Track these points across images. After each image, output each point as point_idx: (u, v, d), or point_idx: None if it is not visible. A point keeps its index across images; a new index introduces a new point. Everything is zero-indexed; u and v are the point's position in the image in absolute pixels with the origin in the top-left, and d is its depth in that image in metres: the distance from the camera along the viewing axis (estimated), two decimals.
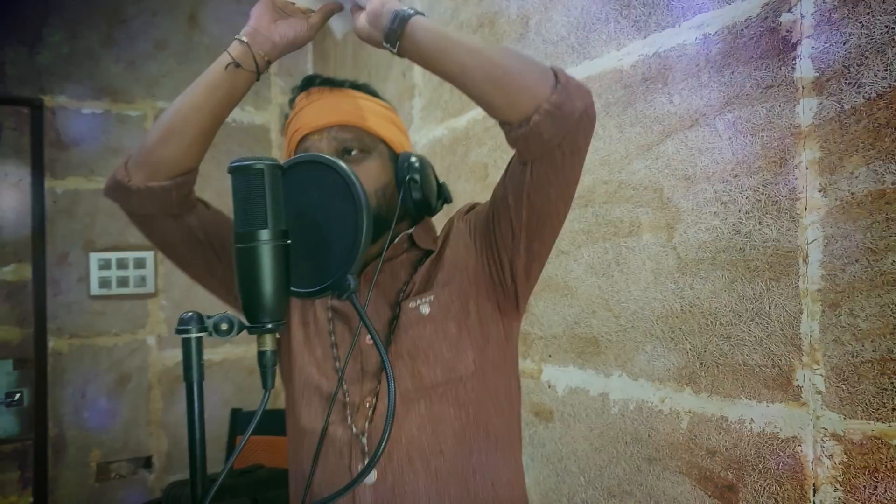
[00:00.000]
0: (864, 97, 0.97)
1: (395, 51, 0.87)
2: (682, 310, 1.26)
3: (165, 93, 2.96)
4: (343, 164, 0.78)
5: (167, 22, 2.98)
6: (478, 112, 1.88)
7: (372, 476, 0.93)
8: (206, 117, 0.97)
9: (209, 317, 0.70)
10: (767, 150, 1.10)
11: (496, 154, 1.79)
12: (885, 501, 0.94)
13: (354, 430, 0.94)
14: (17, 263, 2.76)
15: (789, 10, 1.07)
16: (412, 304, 0.97)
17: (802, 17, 1.05)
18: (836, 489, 1.01)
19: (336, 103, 1.01)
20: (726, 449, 1.17)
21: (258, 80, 0.98)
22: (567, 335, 1.54)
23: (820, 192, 1.03)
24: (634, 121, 1.35)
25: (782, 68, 1.08)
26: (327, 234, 0.75)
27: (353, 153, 0.99)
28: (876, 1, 0.95)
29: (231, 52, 0.95)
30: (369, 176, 0.97)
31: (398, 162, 1.02)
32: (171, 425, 2.95)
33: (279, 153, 3.19)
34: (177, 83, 2.98)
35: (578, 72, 1.49)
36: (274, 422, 2.91)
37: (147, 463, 2.91)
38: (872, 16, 0.96)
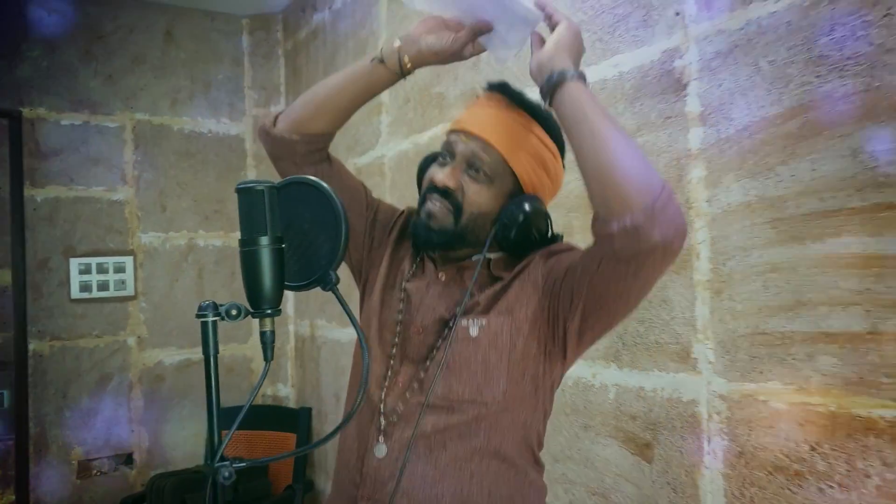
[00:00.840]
0: (734, 128, 1.23)
1: (547, 104, 0.95)
2: None
3: (143, 105, 3.12)
4: (325, 185, 0.99)
5: (144, 37, 3.14)
6: (438, 129, 2.11)
7: (382, 450, 1.05)
8: (345, 99, 1.11)
9: (222, 304, 0.91)
10: (668, 168, 1.35)
11: None
12: (757, 445, 1.20)
13: (381, 397, 1.07)
14: None
15: (681, 57, 1.32)
16: (464, 323, 1.03)
17: (690, 63, 1.31)
18: (723, 438, 1.26)
19: (496, 118, 1.05)
20: (644, 413, 1.42)
21: (401, 79, 1.09)
22: None
23: (706, 202, 1.29)
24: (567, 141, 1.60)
25: (677, 103, 1.33)
26: (314, 239, 0.96)
27: (478, 171, 1.04)
28: (741, 53, 1.21)
29: (383, 48, 1.08)
30: (477, 198, 1.04)
31: (512, 201, 1.04)
32: (152, 422, 3.10)
33: (254, 162, 3.37)
34: (154, 96, 3.15)
35: None
36: (255, 418, 3.10)
37: (128, 459, 3.06)
38: (738, 66, 1.22)
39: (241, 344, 3.32)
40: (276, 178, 1.08)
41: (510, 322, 1.02)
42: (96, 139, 3.03)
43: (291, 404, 3.32)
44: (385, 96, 2.43)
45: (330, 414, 2.96)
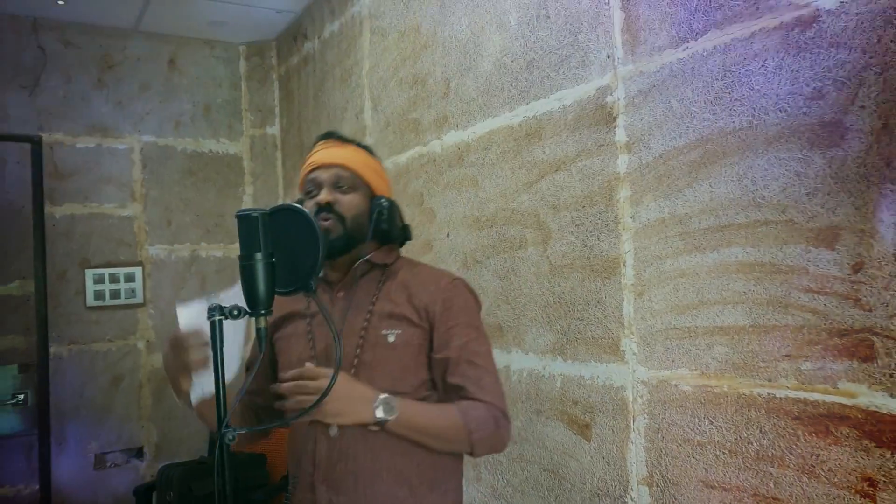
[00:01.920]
0: (652, 156, 1.47)
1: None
2: (553, 301, 1.74)
3: (150, 128, 3.38)
4: (306, 210, 1.23)
5: (150, 66, 3.40)
6: (415, 151, 2.35)
7: (335, 429, 1.28)
8: None
9: (225, 307, 1.15)
10: (601, 189, 1.59)
11: (429, 185, 2.26)
12: (670, 422, 1.43)
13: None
14: (20, 280, 3.13)
15: (611, 94, 1.57)
16: (384, 332, 1.30)
17: (619, 99, 1.55)
18: (644, 417, 1.50)
19: (339, 151, 1.39)
20: (583, 399, 1.66)
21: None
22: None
23: (631, 218, 1.52)
24: (521, 165, 1.84)
25: (608, 133, 1.58)
26: (298, 254, 1.20)
27: (343, 186, 1.35)
28: (657, 92, 1.45)
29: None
30: (351, 204, 1.35)
31: (372, 200, 1.39)
32: (160, 419, 3.34)
33: (251, 178, 3.62)
34: (159, 119, 3.40)
35: (485, 126, 1.98)
36: None
37: (139, 453, 3.30)
38: (655, 102, 1.46)
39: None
40: (270, 199, 1.31)
41: (419, 334, 1.31)
42: (108, 160, 3.29)
43: None
44: (368, 120, 2.67)
45: None
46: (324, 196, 1.35)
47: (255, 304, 1.17)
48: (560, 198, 1.71)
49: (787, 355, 1.21)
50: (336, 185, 1.36)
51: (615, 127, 1.56)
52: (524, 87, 1.84)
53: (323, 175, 1.37)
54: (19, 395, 3.14)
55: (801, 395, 1.19)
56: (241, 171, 3.61)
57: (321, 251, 1.21)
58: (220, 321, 1.15)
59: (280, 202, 3.58)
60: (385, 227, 1.37)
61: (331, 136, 1.44)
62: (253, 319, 1.17)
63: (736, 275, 1.29)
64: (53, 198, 3.17)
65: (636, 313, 1.51)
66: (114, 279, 3.26)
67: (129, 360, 3.28)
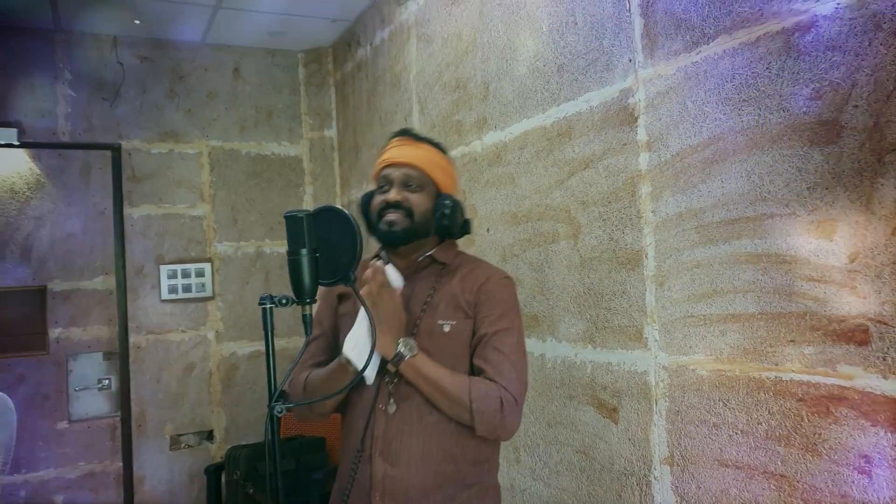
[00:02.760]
0: (670, 154, 1.55)
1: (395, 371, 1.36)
2: (584, 292, 1.84)
3: (216, 133, 3.64)
4: (346, 211, 1.38)
5: (216, 75, 3.66)
6: (458, 151, 2.48)
7: (393, 406, 1.40)
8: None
9: (276, 296, 1.31)
10: (625, 186, 1.69)
11: (471, 183, 2.39)
12: (688, 404, 1.52)
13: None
14: (104, 275, 3.44)
15: (632, 96, 1.66)
16: (439, 322, 1.41)
17: (639, 101, 1.64)
18: (665, 401, 1.59)
19: (411, 150, 1.47)
20: (611, 384, 1.76)
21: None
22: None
23: (652, 213, 1.61)
24: (553, 163, 1.94)
25: (631, 132, 1.67)
26: (338, 248, 1.36)
27: (412, 185, 1.44)
28: (673, 94, 1.54)
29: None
30: (417, 203, 1.44)
31: (438, 198, 1.47)
32: (229, 404, 3.60)
33: (310, 178, 3.84)
34: (225, 125, 3.65)
35: (520, 126, 2.09)
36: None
37: (209, 435, 3.57)
38: (672, 104, 1.54)
39: (302, 337, 3.77)
40: (328, 198, 1.40)
41: (470, 324, 1.42)
42: (179, 164, 3.56)
43: None
44: (416, 122, 2.82)
45: None
46: (393, 195, 1.45)
47: (300, 294, 1.32)
48: (588, 194, 1.81)
49: (791, 340, 1.28)
50: (405, 184, 1.46)
51: (637, 126, 1.65)
52: (555, 89, 1.94)
53: (394, 173, 1.47)
54: (104, 381, 3.45)
55: (805, 377, 1.26)
56: (301, 171, 3.83)
57: (359, 246, 1.35)
58: (271, 308, 1.31)
59: (337, 201, 3.79)
60: (446, 224, 1.45)
61: (405, 133, 1.53)
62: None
63: (746, 265, 1.37)
64: (131, 200, 3.46)
65: (657, 302, 1.60)
66: (185, 274, 3.53)
67: (200, 350, 3.55)
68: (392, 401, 1.42)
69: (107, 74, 3.44)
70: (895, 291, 1.11)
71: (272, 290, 3.70)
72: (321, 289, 1.60)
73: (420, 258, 1.49)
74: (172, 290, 3.50)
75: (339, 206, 1.40)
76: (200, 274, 3.57)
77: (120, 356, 3.41)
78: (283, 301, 1.32)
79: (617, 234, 1.72)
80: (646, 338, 1.64)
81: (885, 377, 1.12)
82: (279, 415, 1.25)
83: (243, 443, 3.47)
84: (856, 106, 1.15)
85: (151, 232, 3.49)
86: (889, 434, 1.12)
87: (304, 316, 1.33)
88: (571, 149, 1.87)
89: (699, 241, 1.48)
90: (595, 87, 1.79)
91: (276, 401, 1.28)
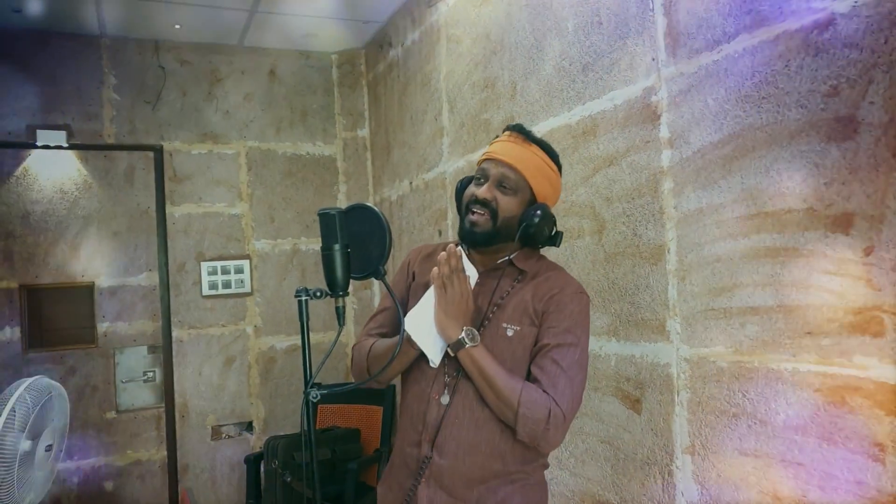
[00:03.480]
0: (691, 150, 1.59)
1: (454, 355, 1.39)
2: (608, 286, 1.88)
3: (253, 134, 3.76)
4: (376, 208, 1.45)
5: (253, 78, 3.78)
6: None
7: (446, 398, 1.43)
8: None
9: (311, 289, 1.39)
10: (648, 182, 1.72)
11: None
12: (709, 395, 1.55)
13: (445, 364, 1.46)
14: (148, 272, 3.59)
15: (655, 94, 1.69)
16: (504, 325, 1.41)
17: (662, 98, 1.67)
18: (687, 392, 1.62)
19: (517, 150, 1.44)
20: (634, 376, 1.80)
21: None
22: None
23: (674, 208, 1.65)
24: (578, 160, 1.99)
25: (653, 130, 1.70)
26: (369, 244, 1.43)
27: (506, 187, 1.43)
28: (695, 92, 1.57)
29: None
30: (506, 206, 1.42)
31: (528, 206, 1.45)
32: (267, 397, 3.73)
33: (344, 178, 3.93)
34: (262, 126, 3.77)
35: (546, 125, 2.14)
36: (348, 395, 3.65)
37: (249, 426, 3.70)
38: (693, 101, 1.57)
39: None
40: (362, 196, 1.43)
41: (534, 332, 1.41)
42: (218, 164, 3.69)
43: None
44: (446, 122, 2.88)
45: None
46: (483, 192, 1.44)
47: (334, 287, 1.40)
48: (613, 190, 1.85)
49: (808, 332, 1.31)
50: (499, 184, 1.44)
51: (659, 124, 1.68)
52: (580, 88, 1.98)
53: (492, 169, 1.45)
54: (149, 373, 3.60)
55: (821, 368, 1.29)
56: (335, 171, 3.93)
57: (388, 242, 1.42)
58: (306, 301, 1.39)
59: (370, 199, 3.88)
60: (531, 233, 1.42)
61: (518, 129, 1.48)
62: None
63: (765, 259, 1.40)
64: (173, 199, 3.60)
65: (679, 296, 1.64)
66: (225, 271, 3.67)
67: (239, 343, 3.68)
68: (447, 392, 1.46)
69: (149, 78, 3.59)
70: None
71: (308, 285, 3.83)
72: (400, 262, 1.68)
73: (500, 261, 1.49)
74: (213, 286, 3.64)
75: (370, 204, 1.47)
76: (239, 271, 3.69)
77: (163, 349, 3.56)
78: (318, 294, 1.40)
79: (640, 230, 1.76)
80: (668, 331, 1.68)
81: None
82: (314, 400, 1.33)
83: (281, 433, 3.59)
84: (872, 102, 1.18)
85: (192, 230, 3.63)
86: None
87: (336, 308, 1.40)
88: (596, 146, 1.91)
89: (720, 236, 1.52)
90: (619, 85, 1.82)
91: (310, 388, 1.36)
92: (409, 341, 1.46)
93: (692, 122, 1.58)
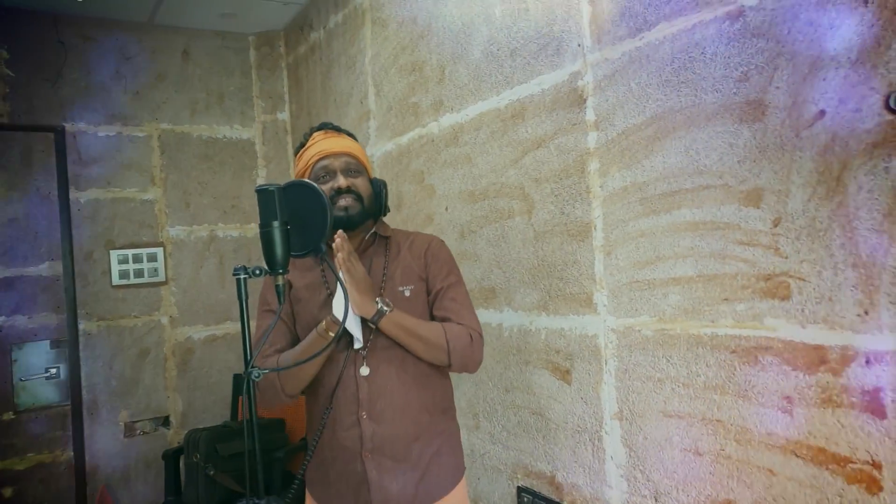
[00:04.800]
0: (615, 132, 1.67)
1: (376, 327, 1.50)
2: (538, 264, 1.96)
3: (167, 116, 3.60)
4: (316, 185, 1.44)
5: (165, 57, 3.61)
6: (415, 132, 2.56)
7: (365, 369, 1.53)
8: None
9: (249, 267, 1.37)
10: (575, 163, 1.80)
11: (428, 164, 2.47)
12: (635, 363, 1.65)
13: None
14: (50, 261, 3.37)
15: (581, 79, 1.77)
16: (400, 288, 1.58)
17: (587, 83, 1.75)
18: (614, 360, 1.72)
19: (344, 142, 1.65)
20: (564, 348, 1.88)
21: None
22: (478, 288, 2.23)
23: (600, 188, 1.74)
24: (507, 143, 2.05)
25: (580, 113, 1.78)
26: (309, 222, 1.42)
27: (353, 172, 1.62)
28: (619, 76, 1.66)
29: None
30: (364, 186, 1.62)
31: (374, 182, 1.67)
32: (185, 389, 3.60)
33: (263, 162, 3.84)
34: (176, 108, 3.62)
35: (476, 109, 2.18)
36: None
37: (166, 421, 3.56)
38: (617, 86, 1.66)
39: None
40: (282, 180, 1.48)
41: (423, 286, 1.62)
42: (128, 147, 3.52)
43: None
44: (372, 105, 2.88)
45: None
46: (342, 181, 1.59)
47: (273, 265, 1.39)
48: (541, 171, 1.92)
49: (725, 299, 1.42)
50: (347, 171, 1.62)
51: (585, 107, 1.76)
52: (508, 73, 2.04)
53: (335, 163, 1.61)
54: (52, 369, 3.40)
55: (737, 331, 1.40)
56: (253, 155, 3.83)
57: (329, 219, 1.42)
58: (245, 279, 1.37)
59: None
60: (383, 203, 1.67)
61: (328, 126, 1.68)
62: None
63: (685, 232, 1.51)
64: (78, 183, 3.40)
65: (605, 270, 1.73)
66: (137, 259, 3.50)
67: (154, 335, 3.53)
68: (364, 364, 1.51)
69: (47, 54, 3.36)
70: (811, 251, 1.25)
71: (227, 275, 3.74)
72: (266, 279, 1.68)
73: (367, 236, 1.66)
74: (124, 275, 3.47)
75: (309, 181, 1.47)
76: (153, 259, 3.54)
77: (69, 343, 3.36)
78: (257, 272, 1.38)
79: (568, 209, 1.84)
80: (595, 303, 1.77)
81: (803, 327, 1.27)
82: (256, 379, 1.32)
83: (201, 427, 3.48)
84: (778, 87, 1.29)
85: (100, 216, 3.44)
86: (806, 376, 1.27)
87: (276, 286, 1.40)
88: (525, 129, 1.98)
89: (643, 213, 1.61)
90: (546, 70, 1.89)
91: (250, 366, 1.34)
92: (325, 333, 1.50)
93: (616, 105, 1.67)
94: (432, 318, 1.62)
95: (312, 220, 1.43)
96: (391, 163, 2.75)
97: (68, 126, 3.39)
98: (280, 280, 1.39)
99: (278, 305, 1.40)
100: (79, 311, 3.36)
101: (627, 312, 1.68)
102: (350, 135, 1.71)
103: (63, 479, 3.34)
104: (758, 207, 1.34)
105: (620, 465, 1.72)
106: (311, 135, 1.69)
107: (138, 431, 3.50)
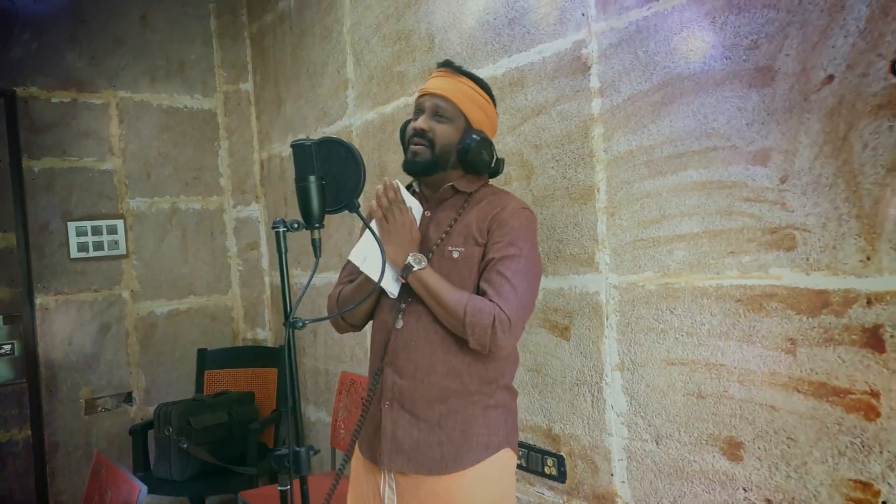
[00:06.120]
0: (621, 98, 1.76)
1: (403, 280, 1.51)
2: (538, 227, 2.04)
3: (125, 83, 3.46)
4: (348, 142, 1.46)
5: (122, 21, 3.47)
6: (400, 101, 2.58)
7: (400, 322, 1.55)
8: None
9: (287, 221, 1.38)
10: (578, 129, 1.89)
11: None
12: (638, 316, 1.76)
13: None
14: (2, 233, 3.20)
15: (585, 47, 1.85)
16: (450, 248, 1.53)
17: (592, 51, 1.83)
18: (615, 315, 1.82)
19: (447, 82, 1.57)
20: (563, 306, 1.98)
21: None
22: None
23: (604, 152, 1.83)
24: (505, 110, 2.11)
25: (584, 80, 1.86)
26: (342, 178, 1.44)
27: (441, 116, 1.55)
28: (626, 45, 1.75)
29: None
30: (443, 134, 1.55)
31: (467, 132, 1.56)
32: (148, 365, 3.51)
33: (226, 133, 3.75)
34: (134, 75, 3.48)
35: None
36: (239, 358, 3.55)
37: (128, 398, 3.47)
38: (624, 53, 1.75)
39: (222, 295, 3.73)
40: (245, 153, 1.41)
41: (477, 251, 1.54)
42: (85, 115, 3.36)
43: (270, 344, 3.78)
44: (351, 74, 2.87)
45: (307, 348, 3.43)
46: (419, 123, 1.56)
47: (309, 219, 1.41)
48: (541, 138, 2.00)
49: (731, 252, 1.54)
50: (434, 114, 1.56)
51: (590, 75, 1.85)
52: (506, 42, 2.10)
53: (427, 103, 1.57)
54: (6, 346, 3.24)
55: (742, 281, 1.53)
56: (215, 126, 3.73)
57: (362, 175, 1.45)
58: (284, 232, 1.39)
59: (255, 156, 3.75)
60: (469, 159, 1.55)
61: (446, 65, 1.62)
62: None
63: (691, 192, 1.62)
64: (31, 151, 3.23)
65: (608, 230, 1.83)
66: (96, 231, 3.37)
67: (115, 309, 3.42)
68: (400, 317, 1.54)
69: None
70: (816, 205, 1.38)
71: (189, 248, 3.65)
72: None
73: (442, 188, 1.60)
74: (83, 247, 3.33)
75: (342, 139, 1.48)
76: (112, 231, 3.41)
77: (25, 319, 3.21)
78: (295, 225, 1.40)
79: (570, 173, 1.92)
80: (597, 262, 1.86)
81: (807, 274, 1.41)
82: (299, 328, 1.34)
83: (165, 402, 3.41)
84: (787, 55, 1.41)
85: (56, 186, 3.29)
86: (810, 318, 1.41)
87: (312, 240, 1.41)
88: (524, 97, 2.04)
89: (649, 174, 1.71)
90: (548, 39, 1.96)
91: (288, 319, 1.36)
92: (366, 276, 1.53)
93: (622, 72, 1.76)
94: (478, 289, 1.52)
95: (346, 176, 1.45)
96: (373, 132, 2.76)
97: (19, 90, 3.21)
98: (316, 234, 1.41)
99: (315, 259, 1.41)
100: (35, 285, 3.22)
101: (630, 269, 1.78)
102: (472, 77, 1.60)
103: (21, 459, 3.21)
104: (765, 166, 1.46)
105: (621, 413, 1.83)
106: (434, 71, 1.65)
107: (100, 408, 3.39)
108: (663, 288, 1.70)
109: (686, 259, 1.64)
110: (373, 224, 1.56)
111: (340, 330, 1.70)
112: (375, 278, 1.51)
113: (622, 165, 1.78)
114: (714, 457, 1.61)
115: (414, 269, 1.50)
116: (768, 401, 1.49)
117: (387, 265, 1.51)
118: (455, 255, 1.53)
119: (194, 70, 3.67)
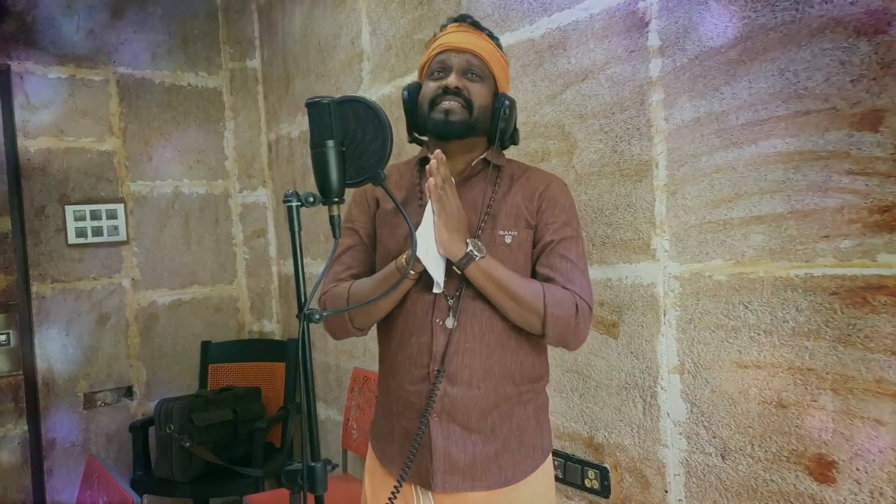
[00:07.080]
0: (687, 58, 1.52)
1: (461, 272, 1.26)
2: (580, 209, 1.80)
3: (125, 59, 3.24)
4: (374, 102, 1.23)
5: None
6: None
7: (451, 321, 1.30)
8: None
9: (302, 194, 1.15)
10: (632, 94, 1.64)
11: None
12: (703, 311, 1.52)
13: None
14: None
15: (643, 0, 1.60)
16: (501, 232, 1.31)
17: (650, 5, 1.58)
18: (675, 310, 1.58)
19: (473, 37, 1.36)
20: (610, 300, 1.74)
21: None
22: None
23: (664, 121, 1.58)
24: (544, 77, 1.86)
25: (640, 39, 1.62)
26: (365, 146, 1.21)
27: (473, 74, 1.34)
28: None
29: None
30: (480, 94, 1.34)
31: (497, 95, 1.37)
32: (148, 357, 3.30)
33: (231, 113, 3.53)
34: (135, 50, 3.26)
35: (503, 41, 1.99)
36: (245, 351, 3.34)
37: (129, 392, 3.26)
38: (691, 4, 1.50)
39: (227, 285, 3.52)
40: (252, 134, 1.17)
41: (529, 235, 1.34)
42: (82, 92, 3.14)
43: (277, 337, 3.56)
44: (366, 45, 2.64)
45: (317, 342, 3.21)
46: (453, 80, 1.32)
47: (328, 192, 1.17)
48: (587, 107, 1.75)
49: (825, 236, 1.30)
50: (466, 72, 1.35)
51: (647, 32, 1.60)
52: (545, 0, 1.85)
53: (454, 59, 1.35)
54: (0, 336, 3.04)
55: (839, 271, 1.28)
56: (220, 105, 3.51)
57: (388, 141, 1.21)
58: (298, 207, 1.15)
59: (262, 137, 3.52)
60: (503, 127, 1.35)
61: (466, 18, 1.41)
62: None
63: (774, 165, 1.37)
64: (27, 130, 3.02)
65: (668, 212, 1.58)
66: (95, 216, 3.16)
67: (114, 299, 3.21)
68: (451, 315, 1.30)
69: None
70: None
71: (192, 234, 3.43)
72: (353, 192, 1.45)
73: (474, 161, 1.37)
74: (81, 233, 3.12)
75: (366, 98, 1.25)
76: (112, 216, 3.20)
77: (20, 308, 3.01)
78: (310, 199, 1.16)
79: (622, 146, 1.68)
80: (654, 249, 1.62)
81: None
82: (316, 322, 1.11)
83: (168, 397, 3.20)
84: None
85: (53, 168, 3.07)
86: None
87: (331, 217, 1.18)
88: (567, 60, 1.80)
89: (720, 146, 1.47)
90: None
91: (303, 310, 1.13)
92: (401, 268, 1.29)
93: (688, 27, 1.51)
94: (534, 275, 1.34)
95: (370, 143, 1.22)
96: (391, 107, 2.52)
97: (14, 65, 3.00)
98: (335, 210, 1.18)
99: (334, 240, 1.18)
100: (31, 272, 3.01)
101: (695, 257, 1.54)
102: (491, 35, 1.42)
103: (17, 455, 3.02)
104: (875, 132, 1.21)
105: (679, 422, 1.59)
106: (446, 26, 1.42)
107: (99, 403, 3.19)
108: (736, 278, 1.46)
109: (766, 244, 1.40)
110: (428, 208, 1.31)
111: (342, 334, 1.42)
112: (435, 274, 1.28)
113: (687, 136, 1.53)
114: (797, 476, 1.37)
115: (476, 257, 1.25)
116: (872, 413, 1.25)
117: (438, 256, 1.27)
118: (508, 239, 1.32)
119: (198, 46, 3.44)
